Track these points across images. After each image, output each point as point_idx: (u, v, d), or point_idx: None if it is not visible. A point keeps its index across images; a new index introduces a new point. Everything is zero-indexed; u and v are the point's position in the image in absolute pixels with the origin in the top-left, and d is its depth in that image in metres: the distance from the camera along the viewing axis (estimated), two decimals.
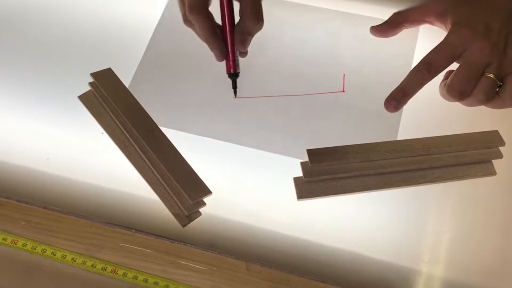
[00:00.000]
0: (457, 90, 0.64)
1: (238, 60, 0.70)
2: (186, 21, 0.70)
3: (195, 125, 0.69)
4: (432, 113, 0.69)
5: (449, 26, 0.67)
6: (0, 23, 0.78)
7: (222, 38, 0.69)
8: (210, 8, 0.68)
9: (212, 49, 0.69)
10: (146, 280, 0.60)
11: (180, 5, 0.70)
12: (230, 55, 0.69)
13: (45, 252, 0.61)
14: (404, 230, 0.63)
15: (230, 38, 0.68)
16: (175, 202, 0.64)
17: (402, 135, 0.67)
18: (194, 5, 0.66)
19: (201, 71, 0.73)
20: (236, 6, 0.69)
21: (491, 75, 0.64)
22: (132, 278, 0.60)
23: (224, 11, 0.68)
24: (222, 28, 0.69)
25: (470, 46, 0.64)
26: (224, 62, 0.70)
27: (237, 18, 0.69)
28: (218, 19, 0.70)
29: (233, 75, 0.70)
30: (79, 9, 0.78)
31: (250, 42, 0.70)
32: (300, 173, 0.64)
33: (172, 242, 0.62)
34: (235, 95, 0.70)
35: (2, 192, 0.65)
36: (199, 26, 0.67)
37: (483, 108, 0.66)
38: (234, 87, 0.70)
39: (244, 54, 0.71)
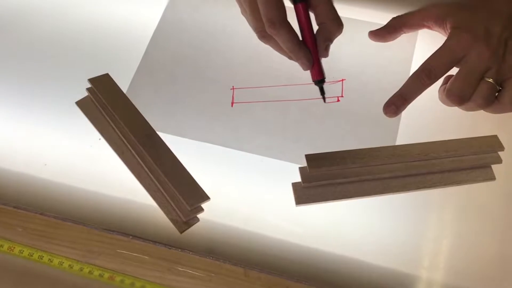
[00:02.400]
0: (456, 95, 0.64)
1: (322, 65, 0.69)
2: (265, 37, 0.67)
3: (193, 130, 0.69)
4: (431, 118, 0.69)
5: (448, 31, 0.67)
6: None
7: (306, 47, 0.67)
8: None
9: (298, 60, 0.67)
10: (143, 287, 0.60)
11: (255, 22, 0.66)
12: (316, 63, 0.67)
13: (42, 258, 0.61)
14: (403, 236, 0.63)
15: (313, 45, 0.67)
16: (173, 208, 0.64)
17: (401, 140, 0.67)
18: (275, 19, 0.64)
19: (199, 77, 0.72)
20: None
21: (491, 80, 0.63)
22: (130, 284, 0.60)
23: (303, 20, 0.67)
24: (303, 37, 0.67)
25: (469, 51, 0.64)
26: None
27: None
28: None
29: (321, 81, 0.69)
30: (77, 14, 0.78)
31: (330, 47, 0.68)
32: (298, 179, 0.64)
33: (169, 248, 0.62)
34: (324, 100, 0.69)
35: None
36: (283, 39, 0.65)
37: (482, 113, 0.66)
38: (323, 93, 0.69)
39: (325, 56, 0.69)
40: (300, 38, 0.66)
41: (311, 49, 0.67)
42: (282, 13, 0.64)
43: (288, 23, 0.65)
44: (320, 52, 0.67)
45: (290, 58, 0.68)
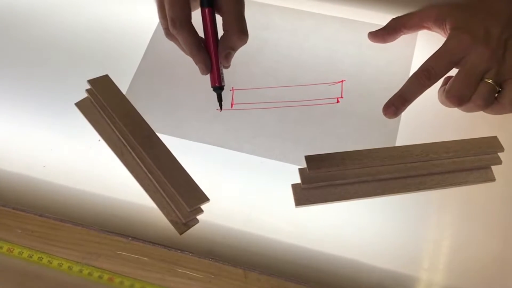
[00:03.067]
0: (456, 96, 0.64)
1: (222, 73, 0.69)
2: (169, 35, 0.69)
3: (193, 131, 0.69)
4: (431, 119, 0.68)
5: (448, 32, 0.67)
6: None
7: (206, 51, 0.68)
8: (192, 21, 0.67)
9: (197, 63, 0.68)
10: None
11: (161, 19, 0.68)
12: (215, 69, 0.68)
13: (41, 260, 0.61)
14: (403, 237, 0.63)
15: (214, 52, 0.68)
16: (172, 210, 0.64)
17: (400, 141, 0.67)
18: (177, 19, 0.65)
19: (198, 78, 0.72)
20: (219, 20, 0.69)
21: (490, 81, 0.63)
22: (129, 286, 0.60)
23: (207, 24, 0.67)
24: (205, 41, 0.68)
25: (469, 52, 0.64)
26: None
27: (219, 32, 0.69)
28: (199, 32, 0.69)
29: (218, 88, 0.69)
30: (77, 15, 0.78)
31: (233, 56, 0.69)
32: (298, 180, 0.64)
33: (169, 249, 0.61)
34: (221, 108, 0.70)
35: None
36: (183, 40, 0.66)
37: (482, 114, 0.66)
38: (220, 100, 0.70)
39: (227, 66, 0.70)
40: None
41: (212, 54, 0.67)
42: (185, 14, 0.65)
43: (190, 24, 0.65)
44: (221, 58, 0.68)
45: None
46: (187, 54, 0.69)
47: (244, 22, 0.67)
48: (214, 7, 0.67)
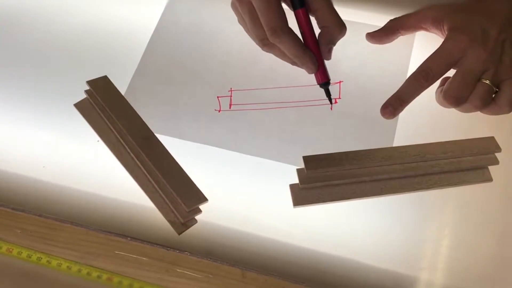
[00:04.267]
0: (454, 97, 0.64)
1: (326, 68, 0.69)
2: (267, 45, 0.67)
3: (191, 132, 0.69)
4: (428, 120, 0.69)
5: (446, 33, 0.67)
6: None
7: (311, 51, 0.67)
8: None
9: (303, 64, 0.67)
10: None
11: (255, 32, 0.66)
12: (321, 66, 0.68)
13: (40, 260, 0.61)
14: (401, 237, 0.63)
15: (316, 50, 0.67)
16: (171, 210, 0.64)
17: (398, 142, 0.67)
18: (277, 26, 0.64)
19: (197, 78, 0.73)
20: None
21: (487, 81, 0.64)
22: (128, 286, 0.60)
23: (304, 25, 0.67)
24: (305, 41, 0.67)
25: (466, 53, 0.64)
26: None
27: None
28: None
29: (327, 83, 0.69)
30: (75, 16, 0.78)
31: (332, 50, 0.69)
32: (296, 180, 0.64)
33: (167, 249, 0.62)
34: (331, 103, 0.70)
35: None
36: (288, 46, 0.65)
37: (479, 114, 0.66)
38: (329, 95, 0.69)
39: (329, 59, 0.70)
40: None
41: (314, 52, 0.67)
42: (283, 20, 0.64)
43: (291, 29, 0.65)
44: (324, 55, 0.68)
45: (293, 64, 0.68)
46: (287, 60, 0.68)
47: (338, 14, 0.67)
48: (307, 6, 0.67)
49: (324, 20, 0.66)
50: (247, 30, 0.69)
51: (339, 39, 0.68)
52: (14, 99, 0.73)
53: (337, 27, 0.66)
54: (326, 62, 0.68)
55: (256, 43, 0.68)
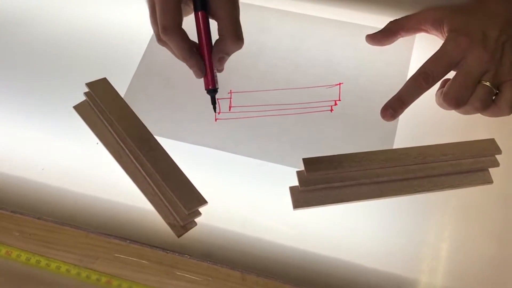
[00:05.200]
0: (454, 98, 0.64)
1: (216, 76, 0.70)
2: (160, 40, 0.69)
3: (191, 134, 0.69)
4: (429, 122, 0.69)
5: (446, 34, 0.67)
6: None
7: (199, 55, 0.68)
8: (186, 26, 0.67)
9: (190, 67, 0.68)
10: None
11: (153, 25, 0.69)
12: (209, 72, 0.69)
13: (39, 263, 0.61)
14: (401, 239, 0.63)
15: (208, 55, 0.68)
16: (170, 212, 0.64)
17: (398, 144, 0.67)
18: (167, 25, 0.65)
19: (196, 81, 0.72)
20: (213, 24, 0.68)
21: (488, 83, 0.64)
22: None
23: (201, 28, 0.68)
24: (199, 45, 0.69)
25: (466, 54, 0.64)
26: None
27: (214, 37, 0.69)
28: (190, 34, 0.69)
29: (212, 91, 0.70)
30: (74, 18, 0.78)
31: (226, 60, 0.69)
32: (296, 182, 0.64)
33: (167, 252, 0.62)
34: (215, 111, 0.70)
35: None
36: (174, 46, 0.66)
37: (479, 116, 0.66)
38: (214, 103, 0.70)
39: (220, 70, 0.71)
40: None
41: (205, 58, 0.68)
42: (176, 20, 0.65)
43: (181, 30, 0.65)
44: (214, 63, 0.68)
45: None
46: (180, 60, 0.69)
47: (240, 27, 0.67)
48: (207, 11, 0.67)
49: (222, 29, 0.67)
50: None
51: (233, 51, 0.68)
52: (13, 101, 0.73)
53: (232, 38, 0.66)
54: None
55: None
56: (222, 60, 0.69)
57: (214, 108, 0.70)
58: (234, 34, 0.66)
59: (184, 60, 0.68)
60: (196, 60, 0.67)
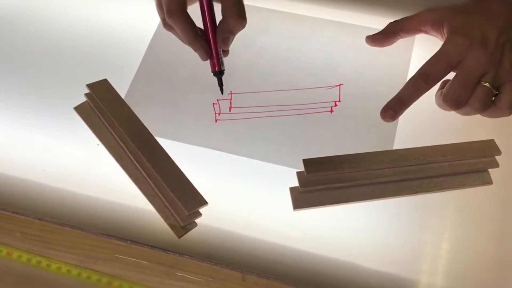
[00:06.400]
0: (454, 99, 0.64)
1: (222, 58, 0.71)
2: (166, 25, 0.71)
3: (191, 135, 0.69)
4: (428, 123, 0.69)
5: (445, 35, 0.67)
6: None
7: (204, 38, 0.69)
8: (190, 10, 0.68)
9: (195, 50, 0.69)
10: None
11: (158, 10, 0.70)
12: (214, 54, 0.70)
13: (40, 264, 0.61)
14: (401, 240, 0.63)
15: (212, 37, 0.69)
16: (171, 213, 0.64)
17: (398, 145, 0.67)
18: (172, 9, 0.66)
19: (197, 81, 0.73)
20: (217, 7, 0.69)
21: (487, 84, 0.64)
22: None
23: (205, 11, 0.69)
24: (204, 28, 0.70)
25: (466, 55, 0.64)
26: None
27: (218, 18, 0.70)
28: (197, 21, 0.69)
29: (219, 73, 0.70)
30: (75, 20, 0.78)
31: (232, 40, 0.70)
32: (296, 183, 0.64)
33: (167, 253, 0.62)
34: (222, 92, 0.71)
35: None
36: (180, 29, 0.67)
37: (479, 117, 0.66)
38: (220, 85, 0.71)
39: (226, 52, 0.72)
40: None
41: (211, 40, 0.69)
42: (180, 3, 0.66)
43: (186, 13, 0.67)
44: (219, 43, 0.69)
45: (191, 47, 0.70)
46: (185, 43, 0.70)
47: (243, 7, 0.68)
48: None
49: (226, 9, 0.68)
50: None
51: (237, 30, 0.69)
52: (14, 103, 0.73)
53: (235, 18, 0.67)
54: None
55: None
56: (226, 40, 0.69)
57: (222, 90, 0.71)
58: (237, 13, 0.67)
59: (189, 42, 0.69)
60: (201, 42, 0.68)
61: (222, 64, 0.70)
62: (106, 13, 0.79)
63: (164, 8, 0.67)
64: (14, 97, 0.73)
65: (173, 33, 0.71)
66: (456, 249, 0.63)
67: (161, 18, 0.71)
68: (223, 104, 0.71)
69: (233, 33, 0.69)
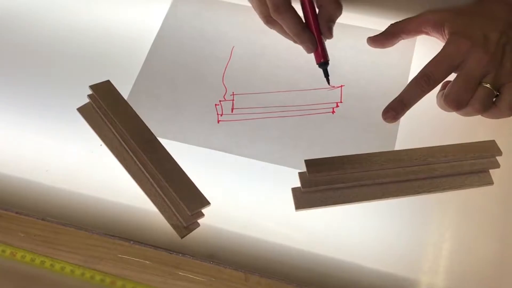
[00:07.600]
0: (455, 100, 0.64)
1: (326, 48, 0.71)
2: (270, 22, 0.70)
3: (194, 136, 0.69)
4: (430, 123, 0.69)
5: (446, 37, 0.67)
6: None
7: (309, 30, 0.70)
8: None
9: (302, 43, 0.70)
10: None
11: (260, 7, 0.70)
12: (319, 46, 0.70)
13: (44, 264, 0.62)
14: (402, 240, 0.63)
15: (316, 30, 0.70)
16: (174, 214, 0.64)
17: (399, 145, 0.68)
18: (280, 3, 0.66)
19: (199, 83, 0.73)
20: None
21: (488, 85, 0.64)
22: None
23: (306, 3, 0.69)
24: (306, 21, 0.70)
25: (467, 56, 0.64)
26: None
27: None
28: None
29: (324, 63, 0.71)
30: (78, 21, 0.79)
31: (333, 28, 0.71)
32: (298, 184, 0.64)
33: (170, 253, 0.62)
34: (328, 83, 0.71)
35: (1, 204, 0.65)
36: (288, 23, 0.68)
37: (480, 118, 0.67)
38: (327, 75, 0.71)
39: (330, 38, 0.72)
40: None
41: (314, 32, 0.69)
42: None
43: (292, 7, 0.67)
44: (324, 33, 0.70)
45: (294, 41, 0.70)
46: (288, 37, 0.70)
47: None
48: None
49: None
50: (254, 7, 0.71)
51: (337, 17, 0.70)
52: (17, 104, 0.73)
53: (333, 5, 0.69)
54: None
55: (261, 19, 0.71)
56: (331, 29, 0.70)
57: (328, 80, 0.71)
58: (333, 0, 0.68)
59: (297, 35, 0.69)
60: (308, 34, 0.69)
61: (327, 54, 0.71)
62: (109, 14, 0.79)
63: (270, 4, 0.67)
64: (18, 98, 0.73)
65: (275, 29, 0.71)
66: (457, 249, 0.63)
67: (262, 15, 0.70)
68: (225, 105, 0.71)
69: (334, 21, 0.70)
